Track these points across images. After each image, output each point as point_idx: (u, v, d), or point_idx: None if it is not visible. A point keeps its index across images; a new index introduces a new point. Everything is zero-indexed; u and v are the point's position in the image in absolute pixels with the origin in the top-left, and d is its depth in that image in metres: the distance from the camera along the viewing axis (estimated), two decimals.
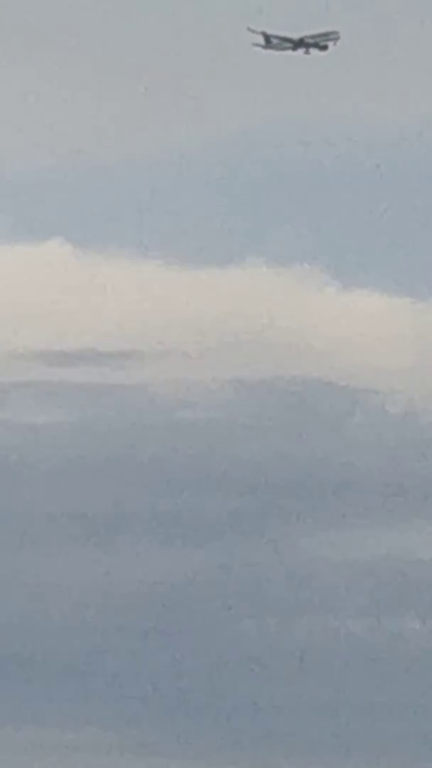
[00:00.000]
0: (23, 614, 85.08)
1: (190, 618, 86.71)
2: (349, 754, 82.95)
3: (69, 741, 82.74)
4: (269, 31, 54.04)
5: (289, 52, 54.25)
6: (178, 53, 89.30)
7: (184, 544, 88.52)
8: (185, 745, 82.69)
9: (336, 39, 55.23)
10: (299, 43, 54.41)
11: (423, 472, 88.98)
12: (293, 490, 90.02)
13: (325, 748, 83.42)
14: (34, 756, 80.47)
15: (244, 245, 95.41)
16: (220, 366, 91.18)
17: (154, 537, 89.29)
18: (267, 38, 54.67)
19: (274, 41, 54.43)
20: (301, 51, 55.39)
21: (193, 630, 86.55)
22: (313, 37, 54.57)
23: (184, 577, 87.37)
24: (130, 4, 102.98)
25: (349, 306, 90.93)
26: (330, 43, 55.19)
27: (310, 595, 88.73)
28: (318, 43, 54.67)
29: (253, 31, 55.12)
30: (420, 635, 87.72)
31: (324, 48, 54.56)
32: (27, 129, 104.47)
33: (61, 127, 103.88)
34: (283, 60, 54.79)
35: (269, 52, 55.49)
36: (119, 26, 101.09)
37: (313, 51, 55.29)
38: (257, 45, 55.57)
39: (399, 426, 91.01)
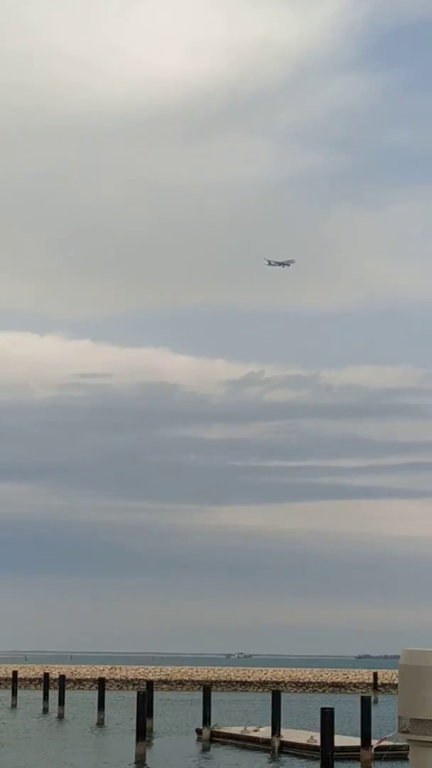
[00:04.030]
0: None
1: None
2: None
3: None
4: (270, 258, 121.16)
5: (278, 267, 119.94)
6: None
7: None
8: None
9: (293, 262, 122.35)
10: (282, 264, 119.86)
11: None
12: None
13: None
14: None
15: None
16: None
17: None
18: (269, 262, 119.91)
19: (272, 263, 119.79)
20: (280, 267, 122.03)
21: None
22: (286, 261, 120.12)
23: None
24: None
25: None
26: (291, 263, 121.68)
27: None
28: (287, 263, 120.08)
29: (266, 260, 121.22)
30: None
31: (288, 265, 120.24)
32: None
33: None
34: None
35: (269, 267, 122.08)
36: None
37: (285, 268, 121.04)
38: (265, 264, 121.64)
39: None
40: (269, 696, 45.47)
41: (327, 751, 30.63)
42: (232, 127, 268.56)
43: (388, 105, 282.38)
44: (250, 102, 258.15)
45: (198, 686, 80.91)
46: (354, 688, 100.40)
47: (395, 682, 74.83)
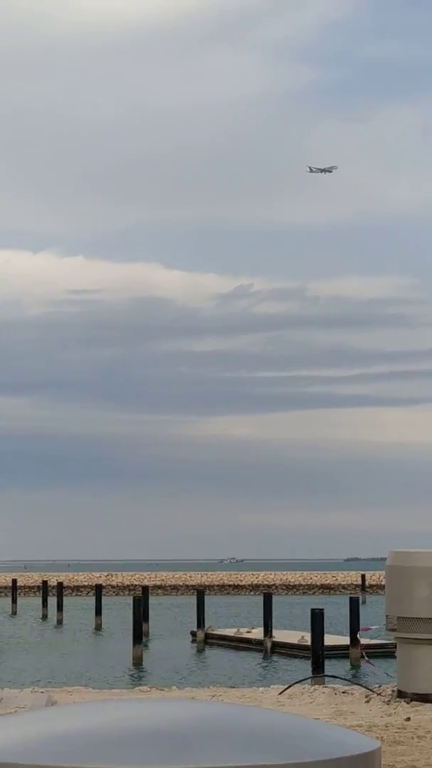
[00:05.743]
0: None
1: None
2: None
3: None
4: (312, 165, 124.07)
5: (319, 173, 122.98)
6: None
7: None
8: None
9: (335, 168, 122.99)
10: (324, 170, 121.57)
11: None
12: None
13: None
14: None
15: None
16: None
17: None
18: (311, 168, 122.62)
19: (314, 170, 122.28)
20: (322, 173, 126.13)
21: None
22: (329, 167, 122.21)
23: None
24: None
25: None
26: (333, 169, 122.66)
27: None
28: (329, 169, 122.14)
29: (308, 167, 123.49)
30: None
31: (330, 171, 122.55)
32: None
33: None
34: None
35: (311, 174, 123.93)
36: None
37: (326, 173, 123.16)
38: (307, 171, 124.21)
39: None
40: (261, 599, 46.83)
41: (317, 650, 31.86)
42: (220, 44, 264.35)
43: (378, 17, 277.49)
44: (238, 18, 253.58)
45: (192, 591, 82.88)
46: (343, 590, 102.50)
47: (383, 583, 76.05)
